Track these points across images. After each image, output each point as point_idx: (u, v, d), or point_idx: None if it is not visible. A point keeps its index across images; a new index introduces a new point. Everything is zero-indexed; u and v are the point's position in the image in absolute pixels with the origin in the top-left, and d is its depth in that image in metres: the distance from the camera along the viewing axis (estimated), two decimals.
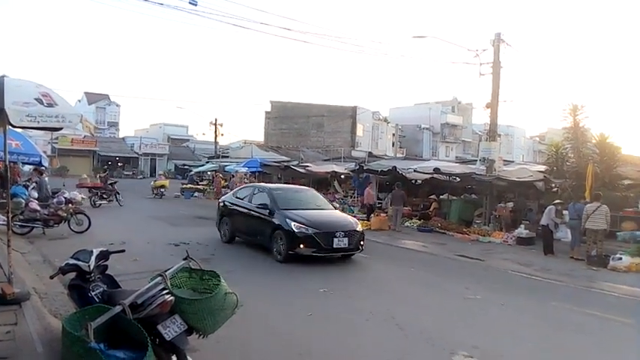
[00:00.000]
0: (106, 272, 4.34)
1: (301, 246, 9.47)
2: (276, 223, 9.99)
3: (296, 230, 9.55)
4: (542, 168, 19.92)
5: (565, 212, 13.86)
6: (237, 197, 12.18)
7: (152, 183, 29.17)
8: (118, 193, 20.84)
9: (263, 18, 68.96)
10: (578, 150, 18.14)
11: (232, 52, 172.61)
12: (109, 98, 65.03)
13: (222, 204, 12.50)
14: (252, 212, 10.97)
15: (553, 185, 17.22)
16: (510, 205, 17.00)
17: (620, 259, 11.04)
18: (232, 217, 11.75)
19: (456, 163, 29.11)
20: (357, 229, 10.27)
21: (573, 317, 6.92)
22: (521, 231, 14.57)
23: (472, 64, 17.56)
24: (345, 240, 9.70)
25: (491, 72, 17.07)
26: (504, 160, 21.26)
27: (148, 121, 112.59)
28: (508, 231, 15.20)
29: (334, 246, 9.58)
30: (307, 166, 26.50)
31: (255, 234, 10.91)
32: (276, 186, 13.06)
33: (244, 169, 29.66)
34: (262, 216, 10.55)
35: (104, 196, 20.37)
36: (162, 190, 27.57)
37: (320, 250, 9.51)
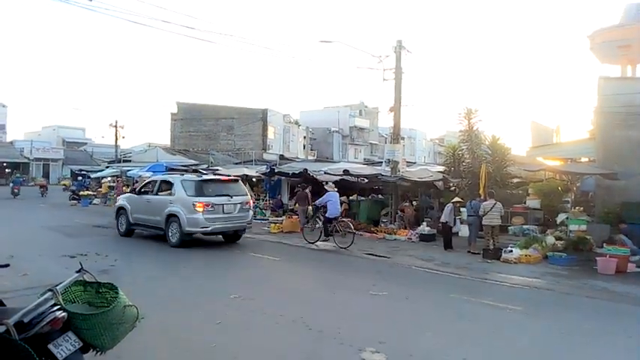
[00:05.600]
0: None
1: None
2: None
3: None
4: (442, 168, 21.20)
5: (463, 209, 14.87)
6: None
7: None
8: None
9: (164, 16, 65.88)
10: (472, 151, 19.50)
11: (134, 51, 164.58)
12: None
13: None
14: None
15: (451, 184, 18.41)
16: (414, 203, 17.91)
17: (511, 251, 11.90)
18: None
19: (364, 164, 30.02)
20: None
21: (470, 307, 7.44)
22: (424, 228, 15.38)
23: (376, 69, 18.08)
24: None
25: (394, 77, 17.77)
26: (407, 162, 22.26)
27: (41, 123, 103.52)
28: (412, 228, 15.98)
29: None
30: (217, 170, 25.87)
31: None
32: None
33: (148, 174, 28.19)
34: None
35: None
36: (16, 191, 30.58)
37: None
